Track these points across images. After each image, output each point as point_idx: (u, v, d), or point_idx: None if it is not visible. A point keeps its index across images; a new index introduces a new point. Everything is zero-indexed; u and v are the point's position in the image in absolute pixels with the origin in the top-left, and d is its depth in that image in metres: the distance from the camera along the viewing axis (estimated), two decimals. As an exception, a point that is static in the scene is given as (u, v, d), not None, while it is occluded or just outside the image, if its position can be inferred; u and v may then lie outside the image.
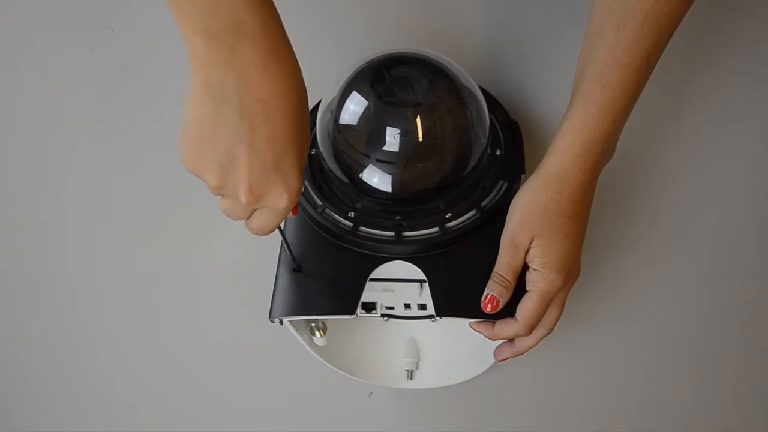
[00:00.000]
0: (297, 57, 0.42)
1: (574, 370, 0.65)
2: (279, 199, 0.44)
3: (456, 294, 0.55)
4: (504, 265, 0.53)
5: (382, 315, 0.59)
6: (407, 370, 0.63)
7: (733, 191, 0.71)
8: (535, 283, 0.53)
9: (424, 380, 0.63)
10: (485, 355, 0.60)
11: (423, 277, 0.55)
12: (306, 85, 0.43)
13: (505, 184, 0.58)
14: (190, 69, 0.40)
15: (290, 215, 0.48)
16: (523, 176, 0.59)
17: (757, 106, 0.72)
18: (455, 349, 0.63)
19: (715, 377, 0.64)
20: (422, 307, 0.58)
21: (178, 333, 0.67)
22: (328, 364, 0.61)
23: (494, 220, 0.56)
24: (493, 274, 0.54)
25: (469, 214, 0.56)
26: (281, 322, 0.57)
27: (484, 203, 0.57)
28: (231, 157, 0.42)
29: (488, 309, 0.53)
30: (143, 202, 0.73)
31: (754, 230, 0.69)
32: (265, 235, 0.48)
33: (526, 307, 0.53)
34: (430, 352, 0.64)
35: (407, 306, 0.58)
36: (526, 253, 0.53)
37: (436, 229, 0.55)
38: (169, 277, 0.70)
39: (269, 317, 0.56)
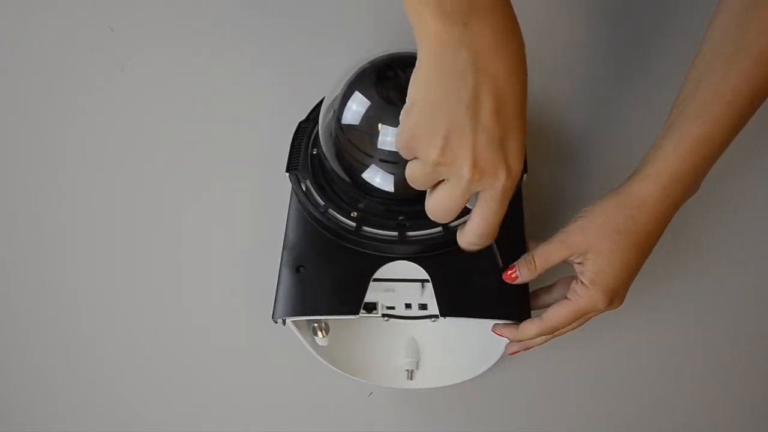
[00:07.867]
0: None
1: (575, 371, 0.65)
2: (500, 177, 0.43)
3: (460, 293, 0.55)
4: (543, 253, 0.52)
5: (383, 315, 0.58)
6: (407, 370, 0.62)
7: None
8: (579, 296, 0.51)
9: (424, 380, 0.63)
10: (485, 355, 0.60)
11: (426, 276, 0.55)
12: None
13: None
14: (419, 50, 0.41)
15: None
16: (524, 175, 0.59)
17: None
18: (455, 349, 0.63)
19: (721, 384, 0.64)
20: (423, 307, 0.58)
21: (178, 333, 0.67)
22: (329, 364, 0.61)
23: None
24: (528, 254, 0.53)
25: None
26: (284, 323, 0.57)
27: None
28: (458, 132, 0.42)
29: (510, 278, 0.53)
30: (144, 202, 0.73)
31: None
32: (486, 239, 0.48)
33: (558, 313, 0.52)
34: (430, 352, 0.63)
35: (408, 306, 0.58)
36: (576, 262, 0.52)
37: (439, 228, 0.55)
38: (170, 276, 0.70)
39: (272, 318, 0.56)
